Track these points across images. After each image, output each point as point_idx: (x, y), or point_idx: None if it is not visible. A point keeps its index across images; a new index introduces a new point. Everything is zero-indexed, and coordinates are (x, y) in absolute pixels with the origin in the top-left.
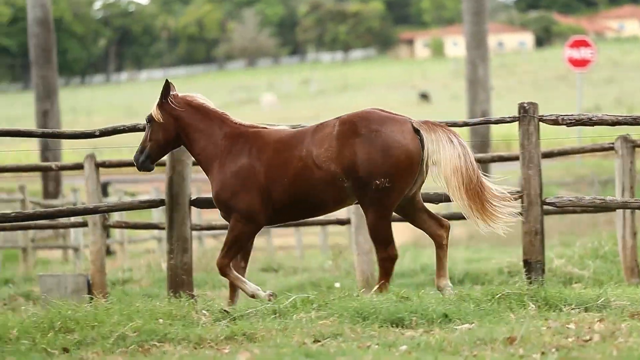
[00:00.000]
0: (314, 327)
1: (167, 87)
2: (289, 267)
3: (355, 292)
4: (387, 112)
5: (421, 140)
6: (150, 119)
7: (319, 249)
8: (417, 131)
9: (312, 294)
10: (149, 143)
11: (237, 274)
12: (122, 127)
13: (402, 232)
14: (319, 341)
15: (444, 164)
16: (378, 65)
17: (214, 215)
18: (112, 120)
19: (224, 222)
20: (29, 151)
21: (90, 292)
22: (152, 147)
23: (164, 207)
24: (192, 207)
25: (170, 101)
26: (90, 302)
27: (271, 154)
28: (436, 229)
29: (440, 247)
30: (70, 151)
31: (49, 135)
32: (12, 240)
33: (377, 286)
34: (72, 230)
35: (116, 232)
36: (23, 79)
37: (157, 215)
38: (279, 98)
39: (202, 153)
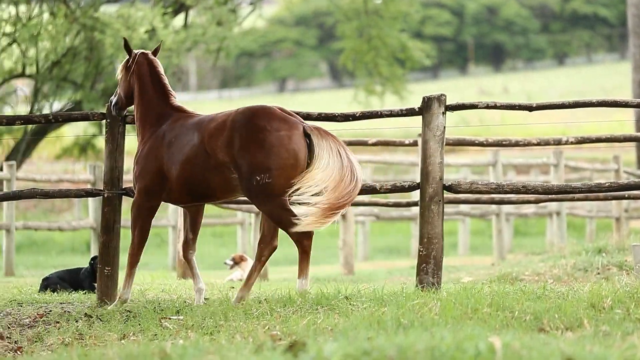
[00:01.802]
0: None
1: (126, 44)
2: None
3: None
4: (284, 111)
5: (310, 145)
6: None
7: None
8: (308, 135)
9: None
10: (117, 91)
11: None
12: None
13: None
14: None
15: (327, 173)
16: None
17: None
18: None
19: None
20: (623, 121)
21: None
22: (118, 96)
23: None
24: None
25: (133, 60)
26: None
27: (174, 137)
28: (301, 236)
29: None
30: None
31: None
32: (606, 210)
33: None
34: None
35: None
36: (620, 49)
37: None
38: None
39: (139, 120)
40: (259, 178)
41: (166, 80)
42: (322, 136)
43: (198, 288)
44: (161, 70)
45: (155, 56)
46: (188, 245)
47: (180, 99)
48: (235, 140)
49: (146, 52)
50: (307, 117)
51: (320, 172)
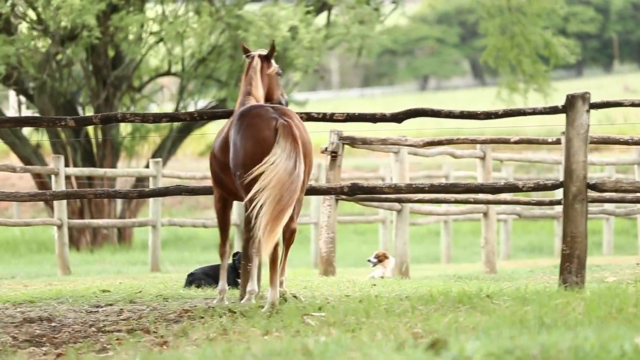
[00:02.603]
0: None
1: (243, 47)
2: None
3: None
4: (277, 109)
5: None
6: None
7: None
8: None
9: None
10: None
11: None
12: None
13: None
14: None
15: (272, 171)
16: None
17: None
18: None
19: None
20: None
21: None
22: None
23: None
24: None
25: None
26: None
27: (220, 132)
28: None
29: (284, 244)
30: None
31: None
32: None
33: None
34: None
35: None
36: None
37: None
38: None
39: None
40: (238, 174)
41: (254, 80)
42: (285, 136)
43: (251, 289)
44: (254, 70)
45: (270, 57)
46: (254, 243)
47: (322, 97)
48: (229, 141)
49: (258, 54)
50: (449, 115)
51: (265, 168)
